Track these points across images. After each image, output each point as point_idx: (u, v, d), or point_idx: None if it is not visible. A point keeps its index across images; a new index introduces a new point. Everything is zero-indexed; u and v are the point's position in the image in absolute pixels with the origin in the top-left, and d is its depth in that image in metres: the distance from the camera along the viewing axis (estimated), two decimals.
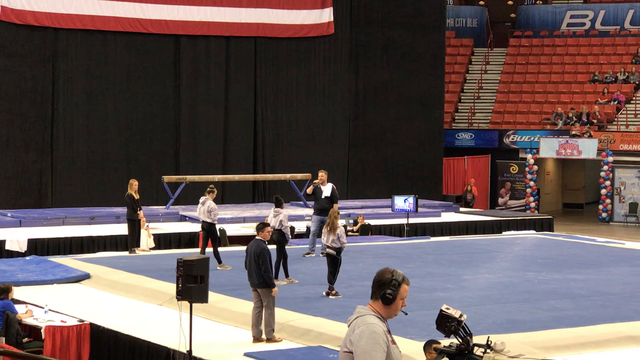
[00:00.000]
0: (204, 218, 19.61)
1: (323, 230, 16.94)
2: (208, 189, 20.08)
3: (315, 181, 21.16)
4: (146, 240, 22.57)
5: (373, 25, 34.58)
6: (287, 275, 17.80)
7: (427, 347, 9.96)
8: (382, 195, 32.28)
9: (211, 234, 19.63)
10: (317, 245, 20.69)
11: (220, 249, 19.95)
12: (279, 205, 18.54)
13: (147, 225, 23.07)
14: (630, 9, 44.06)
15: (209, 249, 19.43)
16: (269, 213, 19.14)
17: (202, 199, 19.83)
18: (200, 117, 31.58)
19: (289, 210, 28.95)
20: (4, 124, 28.74)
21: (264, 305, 13.43)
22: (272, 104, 32.83)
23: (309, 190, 21.38)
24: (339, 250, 16.43)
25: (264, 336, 13.46)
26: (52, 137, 29.32)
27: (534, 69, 42.55)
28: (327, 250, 16.53)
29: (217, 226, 20.09)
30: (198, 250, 20.41)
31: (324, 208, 20.39)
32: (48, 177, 29.25)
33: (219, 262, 19.17)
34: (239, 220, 26.31)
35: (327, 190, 20.89)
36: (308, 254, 20.93)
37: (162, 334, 13.62)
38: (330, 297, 16.25)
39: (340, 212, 19.76)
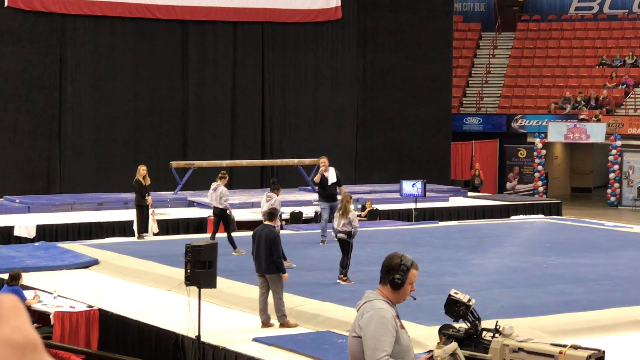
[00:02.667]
0: (216, 204, 19.48)
1: (335, 215, 16.85)
2: (220, 175, 19.94)
3: (321, 169, 21.00)
4: (151, 225, 22.57)
5: (380, 10, 34.49)
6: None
7: (442, 331, 9.91)
8: (390, 180, 32.24)
9: (223, 220, 19.54)
10: (327, 230, 20.61)
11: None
12: (273, 189, 18.41)
13: (153, 211, 23.06)
14: None
15: (219, 235, 19.33)
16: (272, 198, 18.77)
17: (213, 185, 19.69)
18: (208, 103, 31.57)
19: (296, 195, 29.02)
20: (12, 111, 28.75)
21: (271, 291, 13.42)
22: (280, 89, 32.80)
23: (317, 179, 21.20)
24: (349, 234, 16.33)
25: (273, 321, 13.45)
26: (60, 123, 29.34)
27: (542, 53, 42.41)
28: (339, 235, 16.42)
29: (227, 211, 19.99)
30: (206, 235, 20.37)
31: (332, 194, 20.31)
32: (56, 163, 29.29)
33: (234, 247, 19.08)
34: (247, 206, 26.29)
35: (331, 176, 20.76)
36: (322, 241, 20.80)
37: (170, 320, 13.63)
38: (340, 282, 16.17)
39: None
